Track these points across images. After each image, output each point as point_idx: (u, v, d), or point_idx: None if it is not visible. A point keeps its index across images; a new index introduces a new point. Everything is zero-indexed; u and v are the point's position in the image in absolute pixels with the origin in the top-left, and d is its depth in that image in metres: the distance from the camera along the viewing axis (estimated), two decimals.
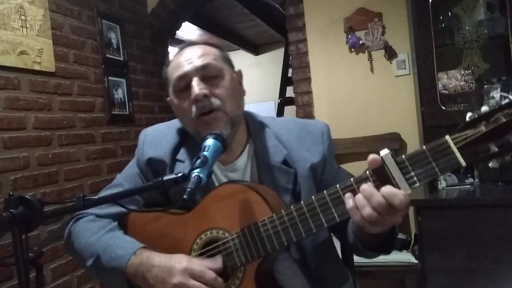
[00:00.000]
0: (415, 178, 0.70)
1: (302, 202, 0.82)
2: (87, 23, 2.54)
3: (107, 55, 2.66)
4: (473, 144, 0.68)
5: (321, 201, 0.79)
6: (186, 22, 3.80)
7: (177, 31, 3.61)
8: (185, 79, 0.97)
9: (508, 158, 0.69)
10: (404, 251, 2.23)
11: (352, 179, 0.76)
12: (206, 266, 0.85)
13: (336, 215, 0.78)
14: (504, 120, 0.66)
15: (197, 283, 0.82)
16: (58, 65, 2.26)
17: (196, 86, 0.94)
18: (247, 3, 4.27)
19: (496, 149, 0.67)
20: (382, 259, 2.17)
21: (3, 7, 1.95)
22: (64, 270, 2.17)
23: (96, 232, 1.00)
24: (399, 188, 0.71)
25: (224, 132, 0.92)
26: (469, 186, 2.32)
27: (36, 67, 2.11)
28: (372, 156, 0.73)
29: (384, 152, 0.72)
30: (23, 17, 2.05)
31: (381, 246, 0.88)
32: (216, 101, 0.95)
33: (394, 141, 2.62)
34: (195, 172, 0.76)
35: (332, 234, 1.12)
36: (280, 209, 0.84)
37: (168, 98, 1.06)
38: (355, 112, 2.75)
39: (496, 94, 2.18)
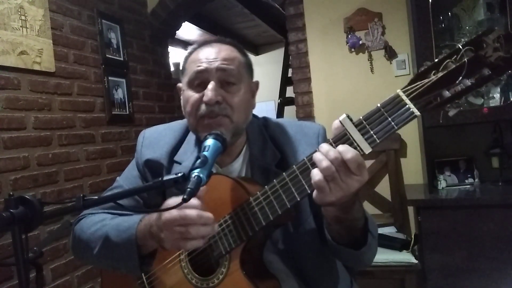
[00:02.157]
0: (374, 137, 0.72)
1: (274, 180, 0.82)
2: (87, 23, 2.54)
3: (107, 55, 2.66)
4: (425, 93, 0.70)
5: (291, 175, 0.80)
6: (186, 22, 3.80)
7: (177, 31, 3.61)
8: (203, 76, 0.95)
9: (463, 101, 0.71)
10: (404, 251, 2.22)
11: (317, 149, 0.77)
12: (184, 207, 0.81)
13: (306, 186, 0.78)
14: (453, 66, 0.69)
15: (181, 211, 0.78)
16: (58, 65, 2.26)
17: (212, 91, 0.92)
18: (247, 3, 4.27)
19: (449, 94, 0.70)
20: (382, 259, 2.17)
21: (3, 7, 1.95)
22: (64, 270, 2.17)
23: (99, 221, 1.01)
24: (360, 148, 0.73)
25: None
26: (469, 186, 2.32)
27: (36, 67, 2.11)
28: (335, 122, 0.76)
29: (342, 116, 0.75)
30: (23, 17, 2.05)
31: (353, 242, 0.87)
32: (226, 108, 0.94)
33: (394, 141, 2.62)
34: (195, 172, 0.76)
35: None
36: (256, 192, 0.85)
37: (178, 84, 1.05)
38: (355, 112, 2.69)
39: (496, 94, 2.18)
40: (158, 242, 0.87)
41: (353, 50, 2.77)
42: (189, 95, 0.97)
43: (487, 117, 2.13)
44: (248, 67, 1.02)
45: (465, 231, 2.02)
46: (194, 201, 0.79)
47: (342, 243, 0.88)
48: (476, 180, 2.34)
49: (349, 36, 2.74)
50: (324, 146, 0.74)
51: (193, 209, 0.79)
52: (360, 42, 2.73)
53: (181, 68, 1.04)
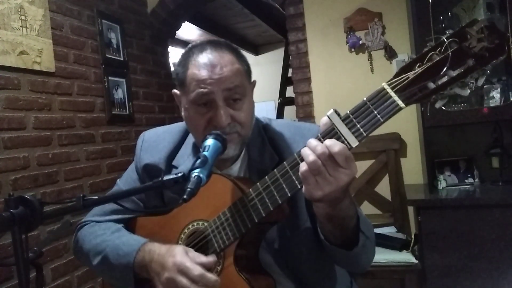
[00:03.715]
0: (361, 130, 0.73)
1: (266, 176, 0.83)
2: (87, 23, 2.54)
3: (107, 55, 2.66)
4: (410, 85, 0.71)
5: (282, 171, 0.81)
6: (186, 22, 3.80)
7: (177, 31, 3.61)
8: (209, 97, 0.91)
9: (448, 92, 0.71)
10: (404, 251, 2.22)
11: (307, 143, 0.78)
12: (198, 261, 0.84)
13: (296, 182, 0.79)
14: (438, 58, 0.69)
15: (184, 280, 0.82)
16: (58, 65, 2.26)
17: (222, 116, 0.90)
18: (247, 3, 4.27)
19: (434, 86, 0.70)
20: (382, 259, 2.17)
21: (3, 7, 1.95)
22: (64, 270, 2.17)
23: (101, 234, 1.03)
24: (348, 142, 0.74)
25: (232, 153, 0.93)
26: (469, 186, 2.32)
27: (36, 67, 2.11)
28: (323, 118, 0.76)
29: (330, 111, 0.75)
30: (23, 17, 2.05)
31: (346, 242, 0.87)
32: (235, 126, 0.93)
33: (394, 141, 2.62)
34: (195, 172, 0.76)
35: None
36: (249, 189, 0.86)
37: (175, 91, 1.02)
38: None
39: (496, 94, 2.18)
40: (153, 282, 0.89)
41: (353, 50, 2.77)
42: (194, 115, 0.94)
43: (487, 117, 2.13)
44: (248, 74, 0.99)
45: (465, 231, 2.02)
46: (198, 270, 0.82)
47: (335, 244, 0.88)
48: (476, 180, 2.34)
49: (349, 36, 2.74)
50: (312, 141, 0.74)
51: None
52: (360, 42, 2.73)
53: (175, 74, 0.98)
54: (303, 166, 0.74)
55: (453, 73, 0.69)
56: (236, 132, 0.94)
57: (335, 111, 0.75)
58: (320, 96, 2.88)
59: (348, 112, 0.75)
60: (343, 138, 0.74)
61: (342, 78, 2.81)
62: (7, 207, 0.68)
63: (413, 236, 2.36)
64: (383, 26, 2.69)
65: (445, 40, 0.69)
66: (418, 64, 0.70)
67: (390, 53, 2.67)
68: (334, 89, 2.84)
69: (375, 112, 0.73)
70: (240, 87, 0.93)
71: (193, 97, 0.92)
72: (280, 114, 4.46)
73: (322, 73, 2.87)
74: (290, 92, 3.80)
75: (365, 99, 0.74)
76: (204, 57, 0.93)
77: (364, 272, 2.08)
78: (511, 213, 1.95)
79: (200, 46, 0.96)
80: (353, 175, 0.73)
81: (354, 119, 0.74)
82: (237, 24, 5.18)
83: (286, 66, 4.57)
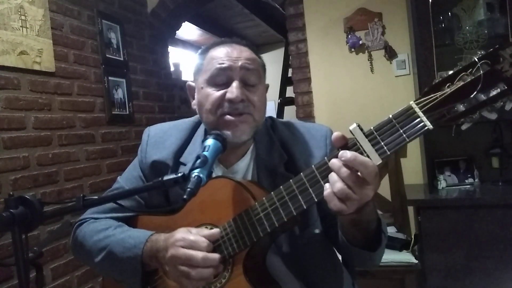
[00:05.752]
0: (385, 148, 0.70)
1: (281, 186, 0.81)
2: (87, 23, 2.54)
3: (107, 55, 2.66)
4: (439, 106, 0.68)
5: (298, 182, 0.79)
6: (186, 22, 3.80)
7: (177, 31, 3.61)
8: (226, 73, 0.94)
9: (477, 116, 0.69)
10: (404, 251, 2.22)
11: (325, 158, 0.76)
12: (202, 234, 0.84)
13: (313, 195, 0.77)
14: (469, 79, 0.67)
15: (188, 251, 0.81)
16: (58, 65, 2.26)
17: (237, 89, 0.92)
18: (247, 3, 4.28)
19: (463, 108, 0.67)
20: (382, 259, 2.17)
21: (3, 7, 1.95)
22: (64, 270, 2.17)
23: (103, 230, 1.00)
24: (370, 159, 0.71)
25: (245, 137, 0.94)
26: (469, 186, 2.32)
27: (36, 67, 2.11)
28: (336, 134, 0.73)
29: (353, 126, 0.72)
30: (23, 17, 2.05)
31: (368, 243, 0.86)
32: (249, 106, 0.94)
33: None
34: (195, 172, 0.76)
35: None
36: (262, 197, 0.84)
37: (189, 82, 1.03)
38: (355, 112, 2.75)
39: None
40: (162, 270, 0.89)
41: (353, 50, 2.77)
42: (209, 93, 0.95)
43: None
44: (264, 70, 1.04)
45: (465, 231, 2.02)
46: (203, 241, 0.82)
47: (357, 245, 0.87)
48: (476, 180, 2.34)
49: (349, 36, 2.74)
50: (336, 162, 0.71)
51: (199, 251, 0.81)
52: (360, 42, 2.73)
53: (195, 66, 1.02)
54: (333, 200, 0.72)
55: (483, 97, 0.66)
56: (250, 114, 0.94)
57: (358, 126, 0.72)
58: (320, 96, 2.88)
59: (372, 128, 0.72)
60: (365, 155, 0.71)
61: (342, 78, 2.81)
62: (7, 207, 0.68)
63: (413, 236, 2.36)
64: (383, 26, 2.69)
65: (477, 61, 0.66)
66: (448, 84, 0.68)
67: (390, 53, 2.67)
68: (334, 89, 2.84)
69: (401, 131, 0.70)
70: (256, 72, 0.98)
71: (211, 73, 0.95)
72: (280, 114, 4.45)
73: (322, 73, 2.87)
74: (290, 92, 3.80)
75: (390, 116, 0.71)
76: (226, 45, 1.00)
77: (363, 271, 2.10)
78: (511, 213, 1.95)
79: (222, 40, 1.03)
80: (377, 188, 0.72)
81: (378, 136, 0.71)
82: (237, 24, 5.18)
83: (286, 66, 4.57)
